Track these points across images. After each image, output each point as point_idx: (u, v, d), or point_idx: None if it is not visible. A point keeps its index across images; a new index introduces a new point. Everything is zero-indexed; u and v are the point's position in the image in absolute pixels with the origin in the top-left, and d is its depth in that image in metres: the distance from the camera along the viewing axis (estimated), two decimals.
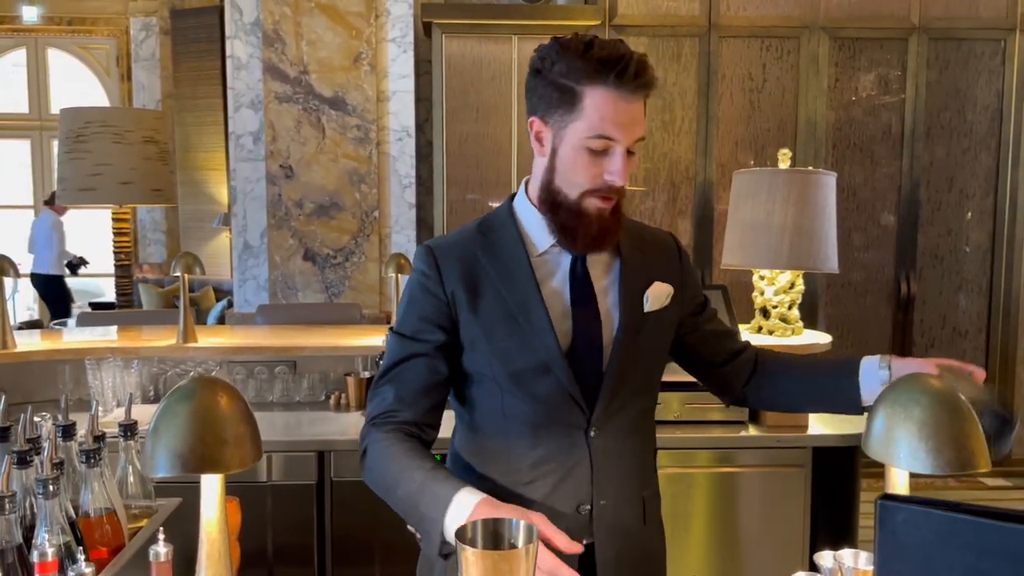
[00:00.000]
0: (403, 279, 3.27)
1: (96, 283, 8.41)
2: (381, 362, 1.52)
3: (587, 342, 1.42)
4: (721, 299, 2.77)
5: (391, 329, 1.51)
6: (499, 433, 1.45)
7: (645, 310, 1.46)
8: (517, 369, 1.40)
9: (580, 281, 1.44)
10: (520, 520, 1.14)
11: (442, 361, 1.43)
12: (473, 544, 1.10)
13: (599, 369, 1.42)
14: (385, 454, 1.39)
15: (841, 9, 4.59)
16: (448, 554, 1.23)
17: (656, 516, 1.55)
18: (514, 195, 1.52)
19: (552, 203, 1.40)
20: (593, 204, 1.37)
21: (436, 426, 1.46)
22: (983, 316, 4.78)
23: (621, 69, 1.29)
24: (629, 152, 1.35)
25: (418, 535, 1.30)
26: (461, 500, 1.21)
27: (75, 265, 7.65)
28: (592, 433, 1.41)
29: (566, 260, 1.44)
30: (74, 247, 7.70)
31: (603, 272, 1.47)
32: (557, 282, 1.44)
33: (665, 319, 1.50)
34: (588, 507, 1.42)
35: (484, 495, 1.22)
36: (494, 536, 1.12)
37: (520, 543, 1.11)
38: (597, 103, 1.31)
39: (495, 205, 1.59)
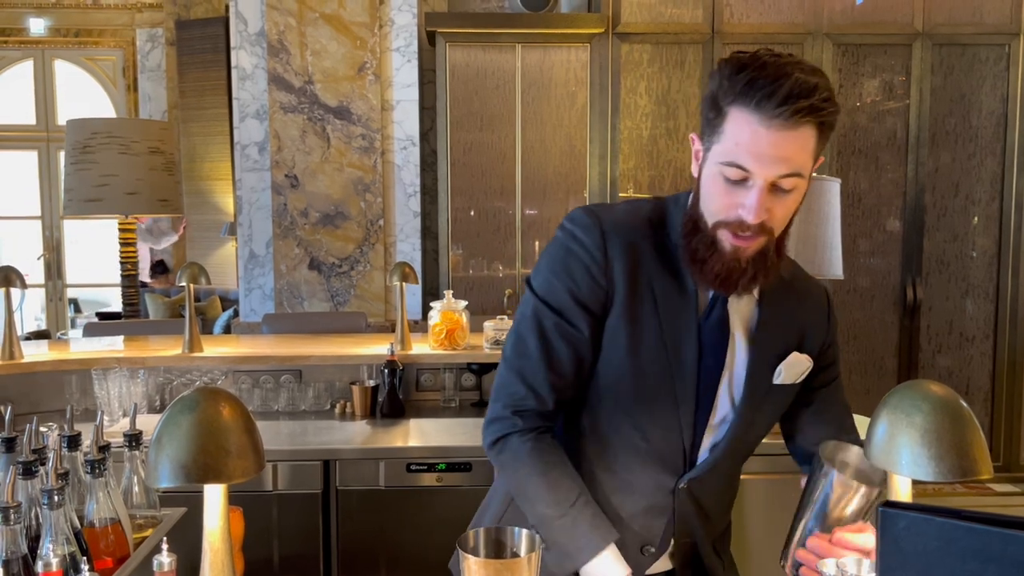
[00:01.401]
0: (408, 287, 3.28)
1: (103, 293, 8.44)
2: (511, 323, 1.40)
3: (706, 393, 1.32)
4: None
5: (530, 285, 1.35)
6: (596, 453, 1.37)
7: (775, 382, 1.34)
8: (648, 395, 1.30)
9: (715, 324, 1.30)
10: (523, 529, 1.14)
11: (590, 348, 1.30)
12: (476, 552, 1.10)
13: (706, 424, 1.33)
14: (531, 461, 1.30)
15: (844, 15, 4.59)
16: None
17: (729, 557, 1.51)
18: (689, 192, 1.34)
19: (692, 227, 1.26)
20: (726, 238, 1.21)
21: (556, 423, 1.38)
22: (990, 321, 4.76)
23: (768, 92, 1.12)
24: (780, 189, 1.18)
25: (543, 544, 1.22)
26: (607, 560, 1.22)
27: None
28: (681, 485, 1.35)
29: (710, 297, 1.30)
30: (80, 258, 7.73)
31: (743, 323, 1.33)
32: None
33: (794, 390, 1.39)
34: (652, 549, 1.37)
35: (628, 569, 1.23)
36: (496, 544, 1.12)
37: (523, 552, 1.11)
38: (735, 127, 1.17)
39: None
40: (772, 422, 1.44)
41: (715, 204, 1.22)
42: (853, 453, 1.32)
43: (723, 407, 1.34)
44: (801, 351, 1.37)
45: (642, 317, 1.28)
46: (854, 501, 1.24)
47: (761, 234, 1.20)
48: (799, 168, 1.17)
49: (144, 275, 7.62)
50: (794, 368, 1.35)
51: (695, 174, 1.28)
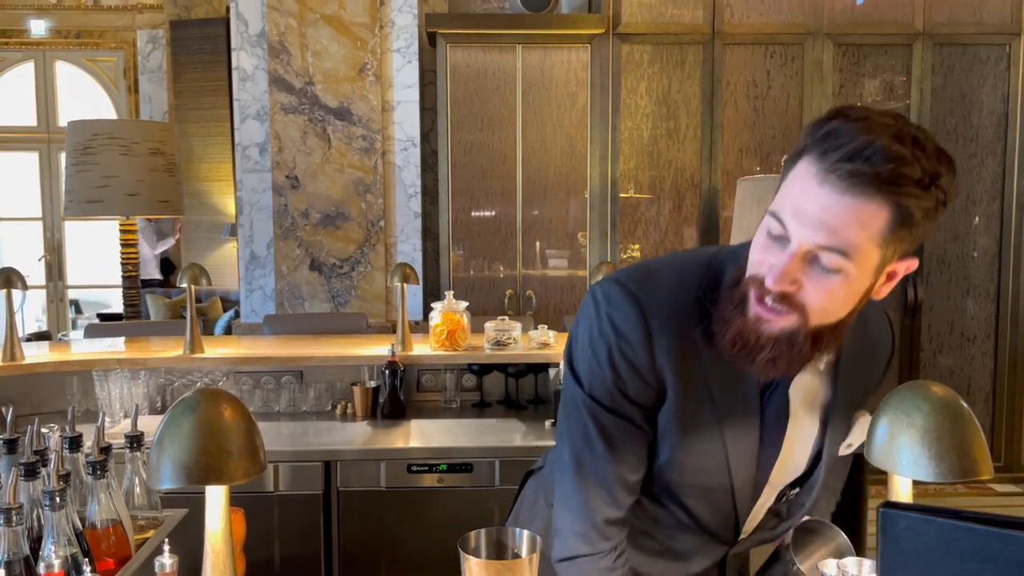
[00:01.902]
0: (409, 288, 3.28)
1: (104, 294, 8.44)
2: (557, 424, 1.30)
3: (763, 473, 1.22)
4: None
5: (573, 372, 1.21)
6: (645, 527, 1.29)
7: (842, 452, 1.25)
8: (698, 488, 1.22)
9: (772, 411, 1.17)
10: (524, 530, 1.14)
11: (649, 435, 1.19)
12: (476, 553, 1.10)
13: (763, 483, 1.24)
14: None
15: (845, 15, 4.59)
16: None
17: None
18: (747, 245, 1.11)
19: (737, 278, 1.09)
20: (752, 299, 1.05)
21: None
22: (991, 321, 4.76)
23: (841, 142, 0.95)
24: (820, 264, 0.98)
25: None
26: None
27: None
28: (733, 551, 1.32)
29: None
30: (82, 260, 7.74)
31: (806, 398, 1.19)
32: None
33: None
34: None
35: None
36: (497, 546, 1.12)
37: (524, 552, 1.11)
38: (796, 176, 1.00)
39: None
40: None
41: (754, 255, 1.06)
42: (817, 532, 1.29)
43: (780, 476, 1.26)
44: (863, 405, 1.27)
45: (697, 420, 1.16)
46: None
47: (786, 309, 1.02)
48: (846, 245, 0.96)
49: (154, 273, 7.64)
50: (857, 434, 1.24)
51: None
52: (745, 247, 1.11)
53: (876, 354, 1.28)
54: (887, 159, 0.92)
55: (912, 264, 1.03)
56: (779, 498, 1.31)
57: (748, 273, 1.06)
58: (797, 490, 1.30)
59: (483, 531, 1.13)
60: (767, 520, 1.33)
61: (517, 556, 1.11)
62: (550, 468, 1.43)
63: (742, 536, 1.32)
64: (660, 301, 1.13)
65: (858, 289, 1.01)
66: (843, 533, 1.25)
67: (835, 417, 1.21)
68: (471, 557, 1.08)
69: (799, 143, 1.02)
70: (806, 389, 1.19)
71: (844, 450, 1.26)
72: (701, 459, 1.18)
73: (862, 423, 1.24)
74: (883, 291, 1.04)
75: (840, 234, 0.96)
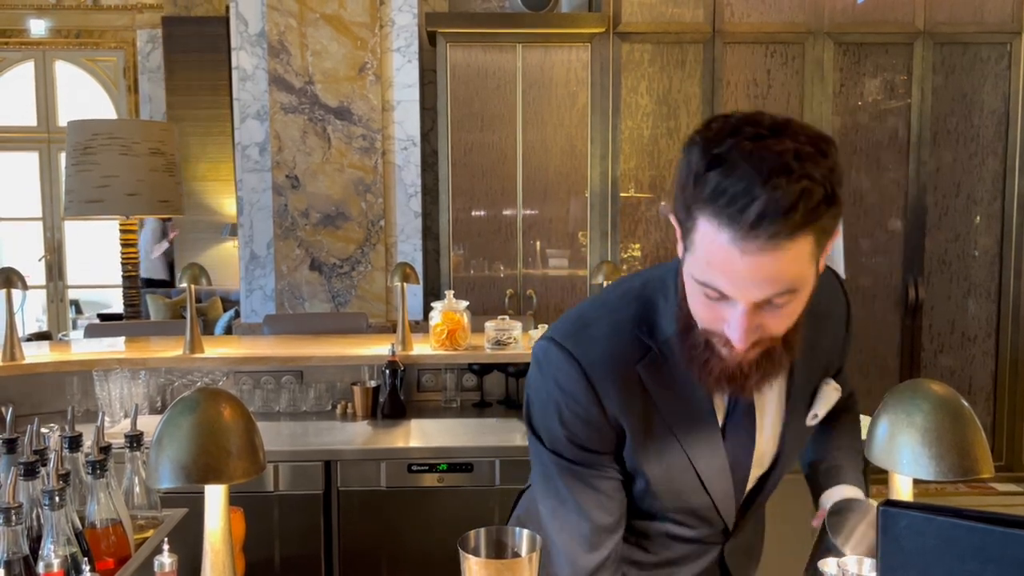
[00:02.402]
0: (409, 288, 3.28)
1: (104, 294, 8.44)
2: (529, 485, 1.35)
3: (739, 468, 1.24)
4: None
5: (535, 434, 1.23)
6: (630, 536, 1.30)
7: (808, 423, 1.27)
8: (680, 504, 1.24)
9: (740, 410, 1.20)
10: (524, 530, 1.13)
11: (620, 473, 1.22)
12: (476, 553, 1.10)
13: (743, 490, 1.27)
14: None
15: (845, 14, 4.59)
16: None
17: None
18: (677, 268, 1.12)
19: (684, 325, 1.10)
20: (721, 344, 1.06)
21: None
22: (992, 321, 4.76)
23: (738, 209, 0.91)
24: (772, 304, 0.99)
25: None
26: None
27: None
28: (727, 547, 1.33)
29: None
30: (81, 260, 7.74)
31: (771, 390, 1.22)
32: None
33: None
34: None
35: None
36: (497, 545, 1.12)
37: (523, 552, 1.11)
38: (706, 242, 0.96)
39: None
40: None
41: (701, 317, 1.06)
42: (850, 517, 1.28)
43: (757, 471, 1.28)
44: (827, 374, 1.31)
45: (663, 451, 1.17)
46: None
47: (757, 347, 1.04)
48: (792, 284, 0.97)
49: (162, 274, 7.64)
50: (826, 403, 1.27)
51: (679, 253, 1.07)
52: (671, 272, 1.14)
53: (832, 319, 1.31)
54: (792, 205, 0.91)
55: (837, 232, 1.02)
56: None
57: (703, 327, 1.06)
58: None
59: (483, 530, 1.13)
60: (752, 507, 1.33)
61: (517, 555, 1.11)
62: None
63: (738, 538, 1.34)
64: (597, 353, 1.14)
65: (807, 295, 1.03)
66: (873, 503, 1.24)
67: (796, 391, 1.24)
68: (471, 556, 1.08)
69: (683, 195, 0.98)
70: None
71: (811, 420, 1.27)
72: (675, 484, 1.20)
73: (826, 391, 1.27)
74: (822, 264, 1.04)
75: (781, 280, 0.96)
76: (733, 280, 0.96)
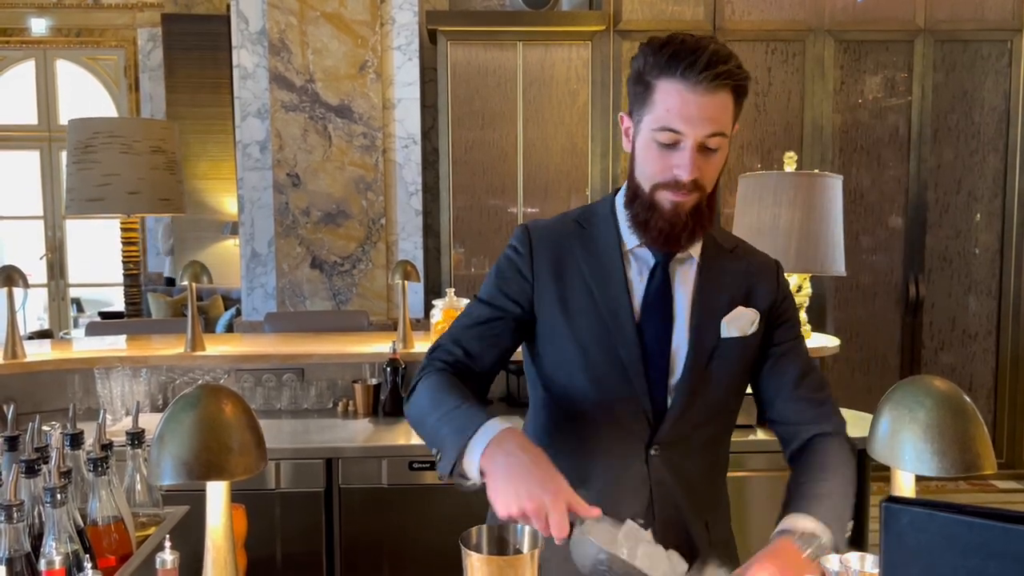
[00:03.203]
0: (410, 286, 3.28)
1: (105, 293, 8.45)
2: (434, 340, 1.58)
3: (657, 353, 1.39)
4: None
5: (475, 296, 1.53)
6: (562, 427, 1.46)
7: (722, 335, 1.41)
8: (594, 363, 1.39)
9: (657, 288, 1.41)
10: (525, 526, 1.13)
11: (509, 332, 1.45)
12: (478, 549, 1.10)
13: (665, 386, 1.39)
14: (431, 385, 1.37)
15: (846, 12, 4.58)
16: (462, 477, 1.22)
17: (723, 537, 1.49)
18: (617, 190, 1.49)
19: (632, 197, 1.38)
20: (666, 198, 1.33)
21: (485, 391, 1.49)
22: (992, 318, 4.75)
23: (690, 62, 1.26)
24: (707, 148, 1.30)
25: (438, 454, 1.27)
26: (489, 425, 1.21)
27: None
28: (653, 452, 1.39)
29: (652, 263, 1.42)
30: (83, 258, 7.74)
31: (686, 289, 1.42)
32: (639, 284, 1.42)
33: (748, 345, 1.43)
34: (642, 521, 1.35)
35: (513, 424, 1.23)
36: (499, 541, 1.12)
37: (525, 548, 1.11)
38: (664, 95, 1.29)
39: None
40: (735, 382, 1.46)
41: (651, 168, 1.33)
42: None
43: (679, 369, 1.39)
44: (747, 307, 1.43)
45: (573, 296, 1.41)
46: None
47: (695, 190, 1.32)
48: (723, 128, 1.30)
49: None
50: (739, 321, 1.41)
51: (627, 149, 1.40)
52: (608, 195, 1.49)
53: (750, 263, 1.49)
54: (728, 59, 1.27)
55: (737, 126, 1.36)
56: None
57: (654, 182, 1.33)
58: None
59: (484, 527, 1.13)
60: (680, 418, 1.39)
61: (519, 552, 1.11)
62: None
63: (660, 435, 1.38)
64: (542, 224, 1.49)
65: (725, 155, 1.35)
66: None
67: (704, 299, 1.41)
68: (472, 553, 1.08)
69: (642, 71, 1.31)
70: (684, 277, 1.42)
71: (723, 330, 1.40)
72: (585, 335, 1.40)
73: (742, 311, 1.41)
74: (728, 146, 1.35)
75: (718, 120, 1.29)
76: (687, 118, 1.27)
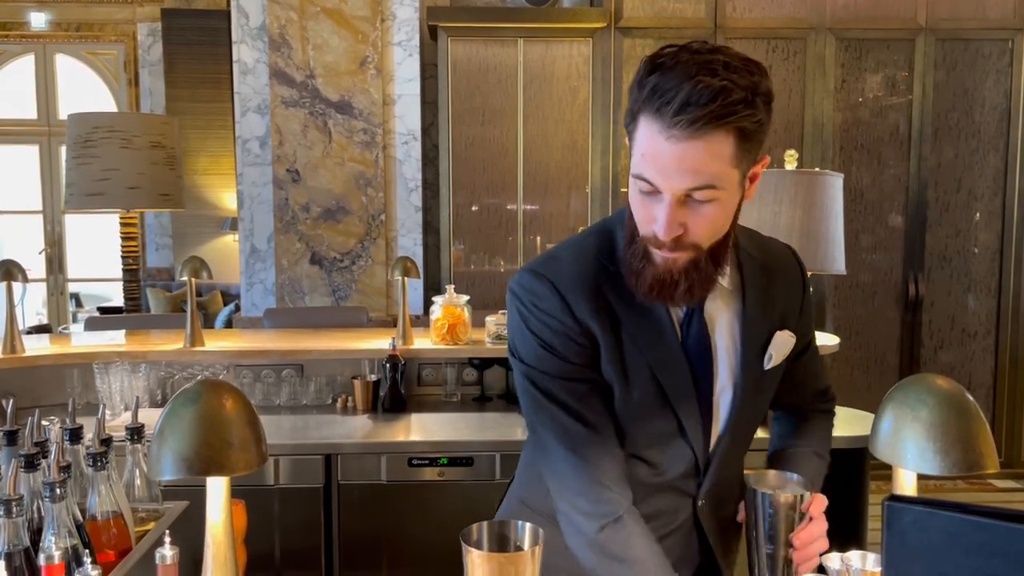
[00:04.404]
0: (409, 282, 3.27)
1: (104, 288, 8.44)
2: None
3: (706, 402, 1.28)
4: None
5: (520, 360, 1.28)
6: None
7: (766, 368, 1.30)
8: (651, 430, 1.27)
9: (695, 334, 1.25)
10: (526, 523, 1.13)
11: (597, 376, 1.26)
12: (479, 546, 1.10)
13: (710, 433, 1.30)
14: (631, 552, 1.20)
15: (847, 10, 4.58)
16: None
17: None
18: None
19: (630, 238, 1.20)
20: (654, 251, 1.16)
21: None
22: (992, 317, 4.75)
23: (667, 99, 1.04)
24: (694, 200, 1.10)
25: None
26: None
27: None
28: (700, 503, 1.33)
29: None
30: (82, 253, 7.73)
31: (726, 323, 1.28)
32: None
33: (782, 367, 1.35)
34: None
35: None
36: (500, 538, 1.12)
37: (526, 545, 1.11)
38: (642, 136, 1.09)
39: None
40: (766, 408, 1.42)
41: (637, 216, 1.16)
42: (771, 475, 1.31)
43: (724, 411, 1.30)
44: (784, 328, 1.33)
45: (627, 357, 1.23)
46: (794, 510, 1.22)
47: (682, 250, 1.13)
48: (712, 180, 1.07)
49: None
50: (781, 348, 1.31)
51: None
52: (625, 210, 1.24)
53: (786, 274, 1.36)
54: (712, 97, 1.02)
55: (766, 160, 1.15)
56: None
57: (640, 233, 1.16)
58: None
59: (485, 524, 1.13)
60: (722, 454, 1.33)
61: (519, 549, 1.11)
62: (524, 472, 1.47)
63: (706, 483, 1.32)
64: (565, 273, 1.24)
65: (732, 205, 1.15)
66: (796, 476, 1.29)
67: (749, 323, 1.28)
68: (473, 549, 1.07)
69: (631, 104, 1.11)
70: (719, 309, 1.27)
71: (767, 363, 1.30)
72: (642, 398, 1.24)
73: (781, 337, 1.30)
74: (751, 192, 1.17)
75: (701, 172, 1.06)
76: (660, 168, 1.07)
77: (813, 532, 1.22)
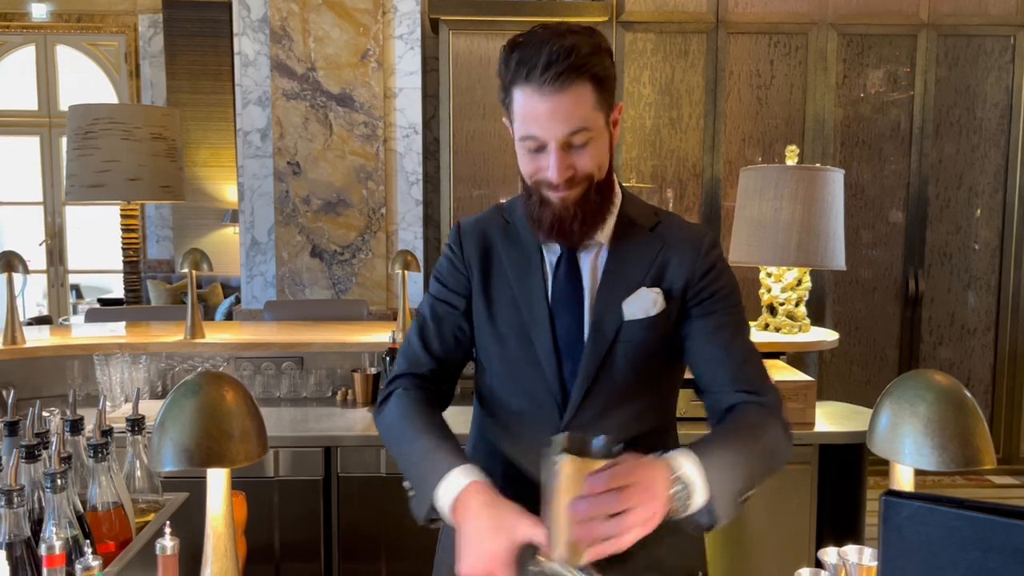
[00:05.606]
0: (410, 276, 3.28)
1: (105, 279, 8.44)
2: (398, 349, 1.63)
3: (571, 344, 1.40)
4: None
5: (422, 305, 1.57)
6: (493, 417, 1.52)
7: (624, 318, 1.39)
8: (513, 354, 1.43)
9: (563, 279, 1.42)
10: (602, 436, 1.14)
11: (466, 321, 1.49)
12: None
13: (563, 367, 1.40)
14: (404, 410, 1.42)
15: (849, 5, 4.57)
16: (433, 519, 1.27)
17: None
18: None
19: (527, 193, 1.40)
20: (549, 193, 1.35)
21: (453, 384, 1.56)
22: (991, 313, 4.76)
23: (532, 65, 1.26)
24: (574, 145, 1.29)
25: (411, 492, 1.34)
26: (453, 478, 1.24)
27: None
28: (565, 429, 1.37)
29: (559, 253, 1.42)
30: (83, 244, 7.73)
31: (593, 273, 1.42)
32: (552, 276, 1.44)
33: (654, 325, 1.38)
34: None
35: (476, 477, 1.24)
36: (580, 450, 1.11)
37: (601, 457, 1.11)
38: (519, 103, 1.30)
39: (504, 201, 1.62)
40: (647, 366, 1.40)
41: (527, 171, 1.36)
42: (578, 438, 1.17)
43: (586, 354, 1.40)
44: (658, 287, 1.40)
45: (496, 287, 1.45)
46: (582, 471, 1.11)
47: (576, 186, 1.32)
48: (582, 123, 1.27)
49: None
50: (640, 301, 1.38)
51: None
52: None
53: (676, 245, 1.43)
54: (568, 53, 1.23)
55: (620, 106, 1.37)
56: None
57: (531, 181, 1.35)
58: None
59: (565, 435, 1.11)
60: (594, 406, 1.39)
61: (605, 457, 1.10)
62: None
63: (568, 419, 1.39)
64: (472, 221, 1.54)
65: (605, 145, 1.34)
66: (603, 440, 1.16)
67: (608, 277, 1.41)
68: (564, 456, 1.07)
69: (502, 82, 1.32)
70: (588, 257, 1.42)
71: (625, 311, 1.38)
72: (504, 327, 1.44)
73: (646, 294, 1.38)
74: (616, 133, 1.38)
75: (573, 116, 1.26)
76: (540, 123, 1.27)
77: (586, 509, 1.06)
